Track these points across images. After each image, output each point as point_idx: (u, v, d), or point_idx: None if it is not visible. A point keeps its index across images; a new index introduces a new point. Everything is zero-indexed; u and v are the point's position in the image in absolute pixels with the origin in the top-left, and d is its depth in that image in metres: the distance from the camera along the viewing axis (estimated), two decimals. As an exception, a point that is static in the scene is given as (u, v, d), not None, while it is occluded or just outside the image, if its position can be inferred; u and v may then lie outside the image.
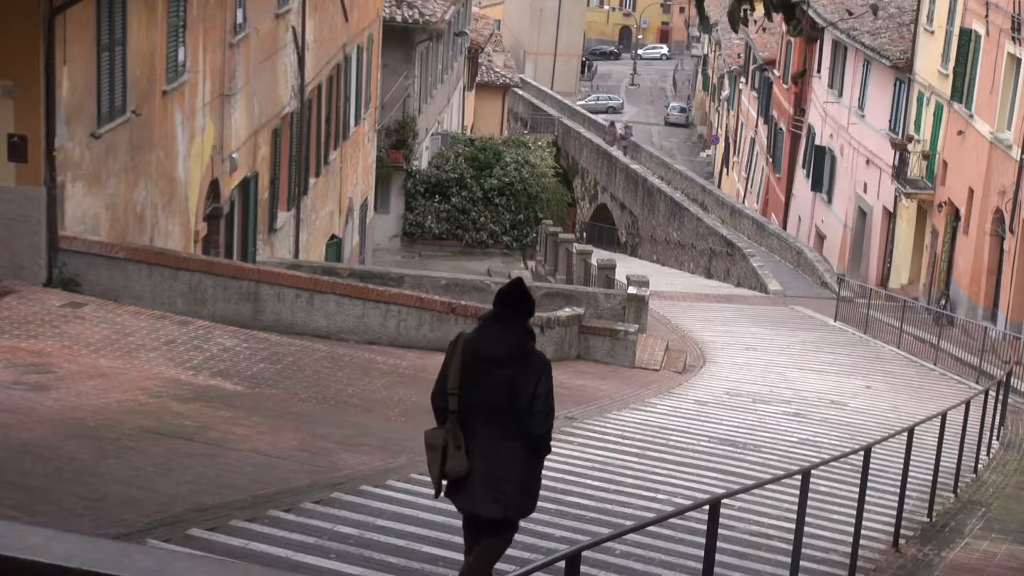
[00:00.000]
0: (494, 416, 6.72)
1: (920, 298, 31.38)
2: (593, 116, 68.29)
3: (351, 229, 31.13)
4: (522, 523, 8.29)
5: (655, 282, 26.29)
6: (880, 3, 39.15)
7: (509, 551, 8.06)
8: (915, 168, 33.77)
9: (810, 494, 8.95)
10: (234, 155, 20.38)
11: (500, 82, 56.68)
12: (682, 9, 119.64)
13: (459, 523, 8.56)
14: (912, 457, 10.99)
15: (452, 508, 8.98)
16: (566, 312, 19.04)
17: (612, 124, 63.81)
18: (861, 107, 39.56)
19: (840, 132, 41.51)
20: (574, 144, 59.53)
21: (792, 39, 47.30)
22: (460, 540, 8.26)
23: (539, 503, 8.73)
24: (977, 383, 21.49)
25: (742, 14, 7.14)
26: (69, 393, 10.74)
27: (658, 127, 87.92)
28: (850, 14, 33.64)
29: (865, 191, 38.65)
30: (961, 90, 30.72)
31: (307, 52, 24.81)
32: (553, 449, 9.02)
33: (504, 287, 6.97)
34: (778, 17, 7.64)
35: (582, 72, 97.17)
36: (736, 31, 9.00)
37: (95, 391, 10.99)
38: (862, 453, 9.79)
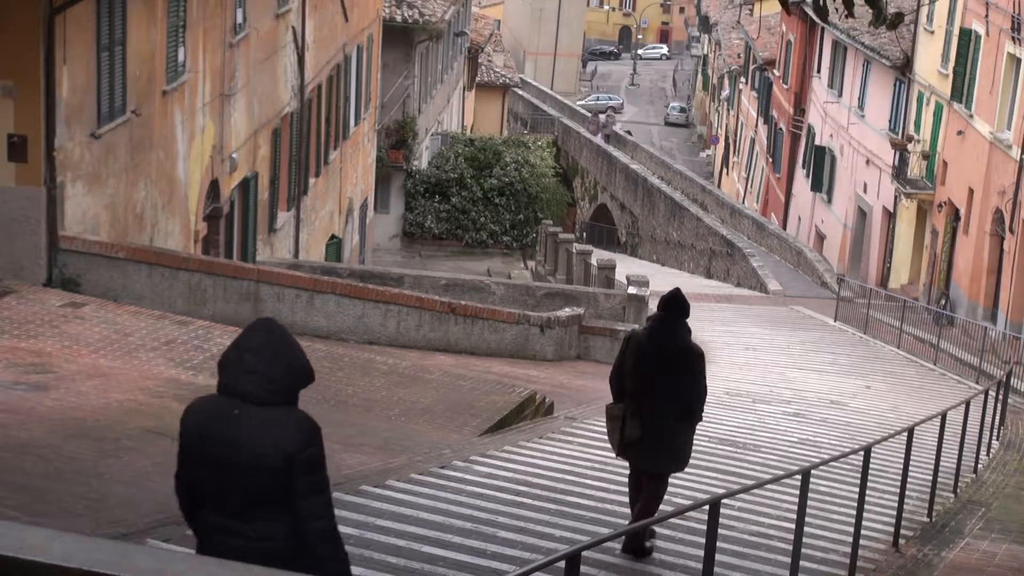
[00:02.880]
0: (660, 394, 8.54)
1: (920, 298, 31.38)
2: (615, 129, 68.34)
3: (351, 229, 31.13)
4: (522, 523, 9.08)
5: (655, 282, 26.26)
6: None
7: (508, 551, 8.22)
8: (915, 168, 33.77)
9: (810, 494, 8.95)
10: (234, 155, 20.38)
11: (500, 82, 56.68)
12: (682, 9, 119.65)
13: (459, 523, 8.65)
14: (912, 457, 10.98)
15: (451, 508, 9.03)
16: (566, 312, 19.04)
17: (596, 115, 65.09)
18: (861, 107, 39.56)
19: (840, 132, 41.51)
20: (574, 144, 59.54)
21: (792, 38, 47.33)
22: (460, 540, 8.33)
23: (539, 503, 9.75)
24: (977, 383, 21.48)
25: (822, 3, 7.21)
26: (69, 393, 10.74)
27: (658, 127, 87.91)
28: None
29: (865, 191, 38.65)
30: (961, 90, 30.72)
31: (307, 52, 24.81)
32: (558, 448, 11.14)
33: (666, 295, 8.79)
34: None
35: (583, 67, 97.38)
36: (788, 12, 9.11)
37: (95, 391, 10.99)
38: (862, 453, 9.79)
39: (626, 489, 10.78)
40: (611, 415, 8.85)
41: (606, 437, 13.07)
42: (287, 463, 4.61)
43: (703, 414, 8.90)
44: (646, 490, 8.76)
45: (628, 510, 9.96)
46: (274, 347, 4.73)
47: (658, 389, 8.57)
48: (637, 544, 8.64)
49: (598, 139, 58.06)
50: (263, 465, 4.61)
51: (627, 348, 8.81)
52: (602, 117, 64.28)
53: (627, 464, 11.61)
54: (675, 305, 8.69)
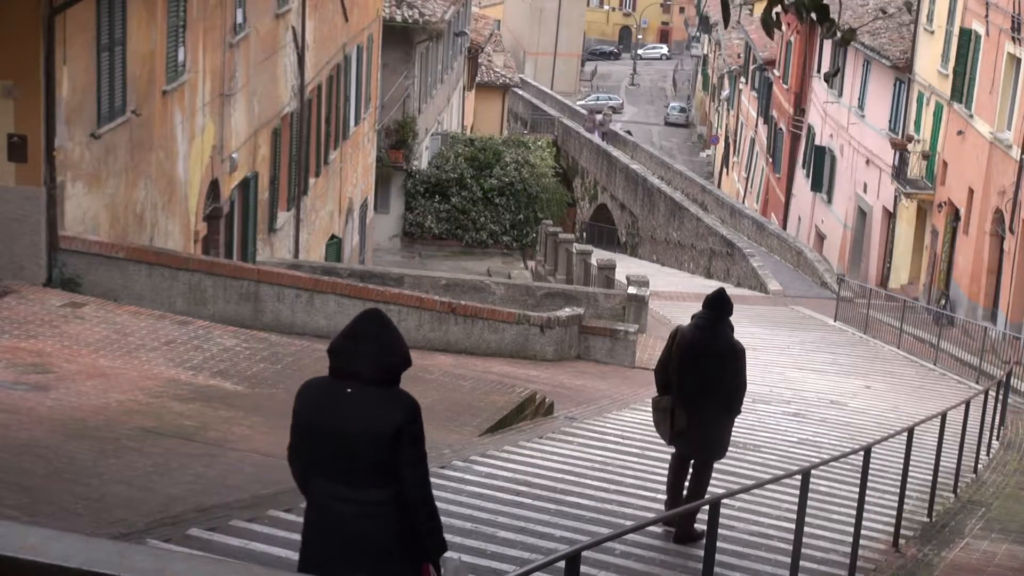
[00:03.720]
0: (704, 388, 9.19)
1: (920, 298, 31.38)
2: (611, 127, 68.42)
3: (351, 229, 31.13)
4: (523, 523, 9.10)
5: (655, 282, 26.29)
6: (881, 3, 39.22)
7: (508, 551, 8.27)
8: (915, 168, 33.77)
9: (810, 494, 8.95)
10: (234, 155, 20.38)
11: (500, 82, 56.67)
12: (682, 9, 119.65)
13: (459, 523, 8.70)
14: (912, 457, 10.98)
15: (451, 508, 9.04)
16: (566, 312, 19.04)
17: (591, 112, 65.56)
18: (861, 107, 39.56)
19: (840, 132, 41.51)
20: (574, 144, 59.55)
21: (792, 39, 47.33)
22: (459, 540, 8.32)
23: (539, 503, 9.83)
24: (977, 383, 21.48)
25: (774, 17, 7.16)
26: (69, 393, 10.74)
27: (658, 127, 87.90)
28: (884, 12, 33.62)
29: (865, 191, 38.65)
30: (961, 90, 30.72)
31: (307, 52, 24.81)
32: (558, 448, 11.42)
33: (711, 295, 9.53)
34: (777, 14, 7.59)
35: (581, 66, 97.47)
36: (772, 36, 9.15)
37: (95, 391, 10.99)
38: (862, 453, 9.79)
39: (625, 488, 10.83)
40: (659, 407, 9.49)
41: (604, 436, 13.16)
42: (395, 435, 5.22)
43: (741, 407, 9.55)
44: (693, 478, 9.42)
45: (628, 510, 9.99)
46: (382, 335, 5.33)
47: (702, 383, 9.21)
48: (685, 531, 9.18)
49: (594, 136, 58.38)
50: (375, 437, 5.22)
51: (672, 344, 9.44)
52: (598, 116, 64.77)
53: (627, 465, 11.67)
54: (719, 304, 9.44)
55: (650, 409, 15.54)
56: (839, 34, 7.28)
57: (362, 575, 5.29)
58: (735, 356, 9.37)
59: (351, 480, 5.26)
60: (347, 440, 5.25)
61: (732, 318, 9.88)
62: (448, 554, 5.44)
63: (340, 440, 5.26)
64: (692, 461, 9.50)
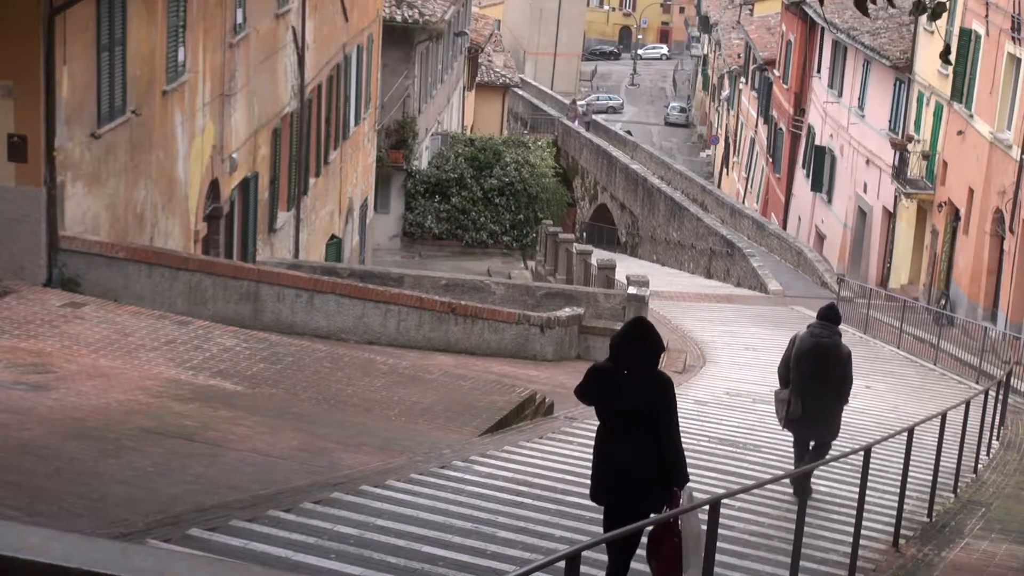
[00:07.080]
0: (818, 383, 11.39)
1: (920, 298, 31.37)
2: (593, 116, 68.55)
3: (351, 229, 31.13)
4: (522, 523, 9.17)
5: (655, 282, 26.27)
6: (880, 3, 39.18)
7: (508, 551, 8.33)
8: (915, 168, 33.76)
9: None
10: (234, 155, 20.38)
11: (500, 82, 56.66)
12: (682, 9, 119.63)
13: (459, 523, 8.70)
14: (912, 457, 10.98)
15: (451, 508, 9.08)
16: (566, 312, 19.03)
17: (573, 102, 67.32)
18: (861, 107, 39.55)
19: (840, 132, 41.51)
20: (574, 144, 59.55)
21: (792, 39, 47.33)
22: (460, 540, 8.38)
23: (539, 503, 9.94)
24: (977, 383, 21.47)
25: None
26: (69, 393, 10.74)
27: (658, 127, 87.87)
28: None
29: (865, 191, 38.65)
30: (961, 90, 30.71)
31: (307, 52, 24.81)
32: (558, 448, 12.10)
33: (824, 308, 11.90)
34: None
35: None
36: (867, 15, 9.69)
37: (95, 391, 10.99)
38: (862, 453, 9.79)
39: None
40: (779, 399, 11.67)
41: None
42: (656, 404, 7.33)
43: (849, 398, 11.72)
44: (813, 453, 11.55)
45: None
46: (648, 336, 7.48)
47: (817, 379, 11.33)
48: (802, 487, 10.77)
49: (576, 125, 59.20)
50: (643, 404, 7.33)
51: (791, 348, 11.64)
52: (580, 106, 65.96)
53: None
54: (830, 314, 11.68)
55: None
56: (928, 9, 7.53)
57: (633, 499, 7.38)
58: (843, 357, 11.52)
59: (626, 433, 7.36)
60: (625, 407, 7.38)
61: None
62: (688, 485, 7.44)
63: (621, 407, 7.40)
64: (811, 443, 11.56)
